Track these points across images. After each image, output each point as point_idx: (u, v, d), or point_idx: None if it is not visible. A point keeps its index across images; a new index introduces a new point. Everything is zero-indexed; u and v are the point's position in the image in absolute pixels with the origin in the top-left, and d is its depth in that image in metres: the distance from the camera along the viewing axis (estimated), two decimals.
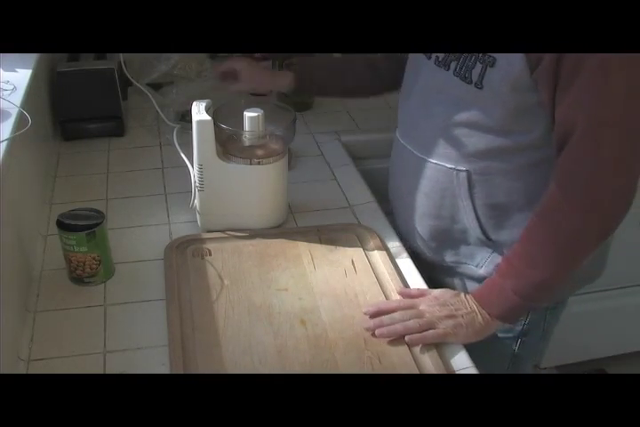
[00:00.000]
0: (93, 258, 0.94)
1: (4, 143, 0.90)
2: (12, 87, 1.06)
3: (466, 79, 0.89)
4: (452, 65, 0.91)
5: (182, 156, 1.05)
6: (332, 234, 1.07)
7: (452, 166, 0.96)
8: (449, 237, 1.03)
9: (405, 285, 0.97)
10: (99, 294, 0.95)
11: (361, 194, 1.20)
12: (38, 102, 1.22)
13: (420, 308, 0.90)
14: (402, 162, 1.06)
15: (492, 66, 0.85)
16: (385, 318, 0.88)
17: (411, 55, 1.02)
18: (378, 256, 1.02)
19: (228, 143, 1.02)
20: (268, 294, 0.94)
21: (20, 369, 0.83)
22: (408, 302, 0.92)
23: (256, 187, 1.04)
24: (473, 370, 0.84)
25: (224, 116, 1.00)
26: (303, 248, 1.04)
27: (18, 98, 1.03)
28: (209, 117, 0.98)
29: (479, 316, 0.89)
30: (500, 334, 1.06)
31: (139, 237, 1.07)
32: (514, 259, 0.90)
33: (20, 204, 0.98)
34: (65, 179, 1.23)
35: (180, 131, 1.10)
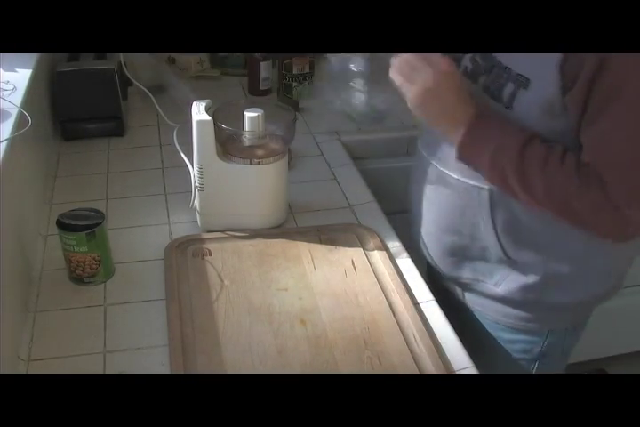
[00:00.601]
0: (93, 258, 0.94)
1: (4, 143, 0.90)
2: (12, 87, 1.06)
3: (495, 97, 0.85)
4: (481, 79, 0.87)
5: (182, 156, 1.05)
6: (331, 234, 1.07)
7: (475, 184, 0.92)
8: (467, 253, 1.00)
9: (406, 285, 0.97)
10: (99, 294, 0.95)
11: (361, 194, 1.20)
12: (38, 102, 1.22)
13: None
14: (423, 173, 1.02)
15: (525, 87, 0.81)
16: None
17: None
18: (378, 256, 1.02)
19: (227, 143, 1.02)
20: (267, 294, 0.94)
21: (20, 369, 0.83)
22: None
23: (256, 187, 1.04)
24: (473, 370, 0.84)
25: (224, 116, 1.00)
26: (303, 248, 1.04)
27: (18, 98, 1.04)
28: (209, 117, 0.98)
29: (451, 118, 0.86)
30: (517, 355, 1.05)
31: (139, 237, 1.07)
32: (528, 154, 0.83)
33: (20, 204, 0.98)
34: (65, 179, 1.23)
35: (180, 131, 1.10)
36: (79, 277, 0.96)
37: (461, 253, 1.01)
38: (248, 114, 0.99)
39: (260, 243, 1.05)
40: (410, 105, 0.88)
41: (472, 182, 0.92)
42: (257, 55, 1.52)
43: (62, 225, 0.93)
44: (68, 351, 0.85)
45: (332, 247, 1.04)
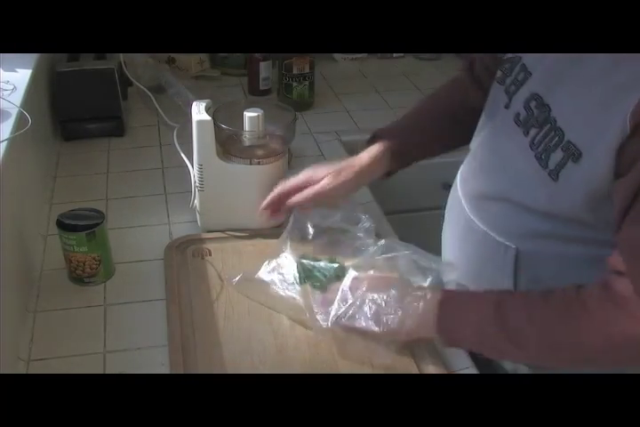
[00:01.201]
0: (93, 258, 0.94)
1: (4, 143, 0.90)
2: (11, 87, 1.06)
3: (541, 160, 0.76)
4: (532, 132, 0.78)
5: (182, 156, 1.05)
6: None
7: (501, 240, 0.84)
8: None
9: None
10: (99, 294, 0.95)
11: (361, 194, 1.20)
12: (38, 102, 1.22)
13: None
14: (455, 212, 0.95)
15: (575, 161, 0.71)
16: None
17: (488, 101, 0.92)
18: None
19: (227, 143, 1.02)
20: (267, 294, 0.94)
21: (20, 369, 0.83)
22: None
23: (256, 187, 1.04)
24: (473, 370, 0.84)
25: (224, 116, 1.01)
26: None
27: (18, 98, 1.04)
28: (209, 117, 0.98)
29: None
30: None
31: (139, 237, 1.07)
32: (507, 317, 0.75)
33: (20, 204, 0.98)
34: (65, 179, 1.23)
35: (180, 131, 1.10)
36: (79, 277, 0.96)
37: None
38: (248, 114, 0.99)
39: (259, 243, 1.05)
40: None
41: (499, 238, 0.84)
42: (257, 55, 1.52)
43: (62, 225, 0.93)
44: (68, 351, 0.85)
45: None
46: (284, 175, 1.06)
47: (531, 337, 0.74)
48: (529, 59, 0.83)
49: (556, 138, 0.74)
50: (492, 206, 0.86)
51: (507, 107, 0.85)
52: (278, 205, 0.98)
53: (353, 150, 1.36)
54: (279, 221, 1.09)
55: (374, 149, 1.00)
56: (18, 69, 1.14)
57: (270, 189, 1.05)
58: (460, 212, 0.92)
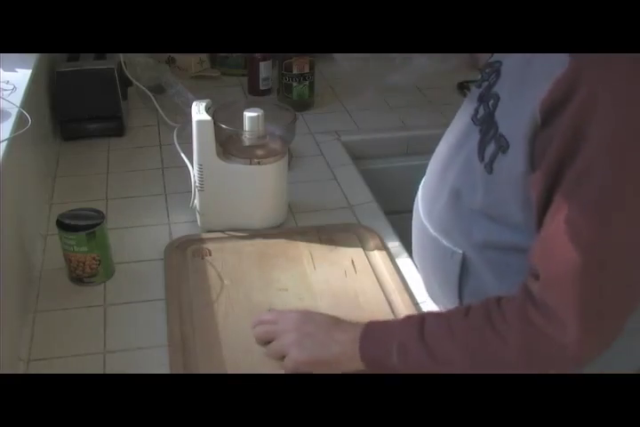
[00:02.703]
0: (93, 258, 0.94)
1: (4, 143, 0.90)
2: (11, 87, 1.06)
3: (479, 155, 0.76)
4: (484, 129, 0.78)
5: (182, 156, 1.05)
6: (332, 234, 1.07)
7: (449, 245, 0.84)
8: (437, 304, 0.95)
9: (406, 285, 0.97)
10: (99, 294, 0.95)
11: (361, 194, 1.20)
12: (38, 102, 1.22)
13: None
14: (414, 215, 0.95)
15: (504, 152, 0.72)
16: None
17: (462, 105, 0.90)
18: (378, 256, 1.02)
19: (227, 143, 1.02)
20: (268, 294, 0.94)
21: (20, 369, 0.83)
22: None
23: (256, 187, 1.04)
24: None
25: (224, 116, 1.01)
26: (303, 248, 1.03)
27: (18, 98, 1.04)
28: (209, 117, 0.98)
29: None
30: None
31: (139, 237, 1.07)
32: (429, 333, 0.75)
33: (20, 204, 0.98)
34: (65, 179, 1.23)
35: (180, 131, 1.10)
36: (79, 277, 0.96)
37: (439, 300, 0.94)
38: (248, 114, 0.99)
39: (259, 243, 1.05)
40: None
41: (446, 243, 0.84)
42: (257, 55, 1.52)
43: (62, 225, 0.93)
44: (68, 351, 0.85)
45: (332, 247, 1.04)
46: (284, 175, 1.06)
47: (453, 354, 0.74)
48: (506, 63, 0.81)
49: (492, 131, 0.75)
50: (440, 213, 0.85)
51: (476, 112, 0.82)
52: None
53: (353, 150, 1.37)
54: (279, 221, 1.09)
55: None
56: (18, 69, 1.13)
57: (270, 189, 1.06)
58: (417, 215, 0.92)
